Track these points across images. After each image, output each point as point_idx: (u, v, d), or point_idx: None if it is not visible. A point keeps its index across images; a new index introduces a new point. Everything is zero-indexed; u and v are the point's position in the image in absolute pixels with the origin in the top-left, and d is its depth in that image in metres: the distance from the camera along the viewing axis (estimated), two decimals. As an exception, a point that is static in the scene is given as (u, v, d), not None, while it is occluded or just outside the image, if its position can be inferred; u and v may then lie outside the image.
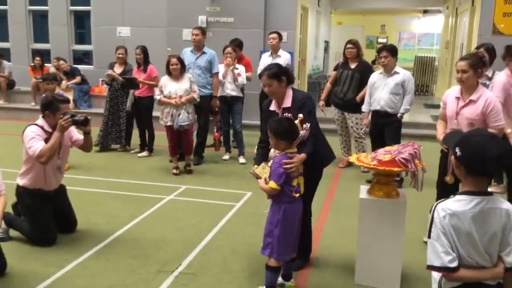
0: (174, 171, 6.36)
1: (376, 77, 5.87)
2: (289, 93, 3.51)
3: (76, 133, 4.27)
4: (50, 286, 3.36)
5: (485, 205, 1.93)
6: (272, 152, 3.76)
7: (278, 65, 3.71)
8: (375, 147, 3.97)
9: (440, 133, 4.03)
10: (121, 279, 3.48)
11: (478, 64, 3.74)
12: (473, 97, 3.76)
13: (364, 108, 6.03)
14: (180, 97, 6.07)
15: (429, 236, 1.97)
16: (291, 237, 3.22)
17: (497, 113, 3.74)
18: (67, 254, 3.85)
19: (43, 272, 3.52)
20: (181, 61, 6.19)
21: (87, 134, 4.17)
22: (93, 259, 3.81)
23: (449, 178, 3.63)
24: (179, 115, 6.08)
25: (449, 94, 3.99)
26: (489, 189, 5.88)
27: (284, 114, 3.45)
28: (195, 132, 6.97)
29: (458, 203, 1.94)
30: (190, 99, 6.14)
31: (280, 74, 3.46)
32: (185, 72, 6.29)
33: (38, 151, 3.85)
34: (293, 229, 3.22)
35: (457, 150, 1.95)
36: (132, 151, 7.39)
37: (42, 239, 4.01)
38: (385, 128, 5.69)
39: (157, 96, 6.25)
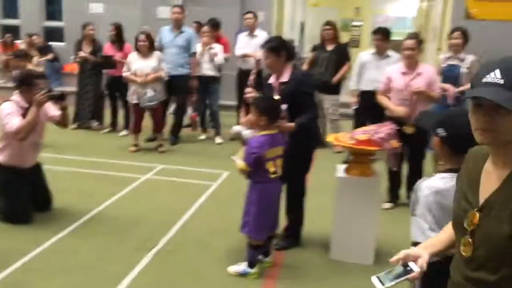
0: (133, 148, 6.32)
1: (367, 57, 5.89)
2: (288, 69, 3.52)
3: (52, 109, 4.20)
4: (27, 263, 3.34)
5: None
6: (247, 131, 3.80)
7: (279, 38, 3.67)
8: (358, 127, 4.08)
9: (392, 106, 4.44)
10: (99, 256, 3.49)
11: (421, 43, 4.46)
12: (419, 70, 4.35)
13: (353, 86, 6.07)
14: (147, 75, 6.01)
15: (413, 214, 2.02)
16: (268, 216, 3.26)
17: (437, 82, 4.51)
18: (44, 231, 3.82)
19: (20, 249, 3.49)
20: (149, 38, 6.11)
21: (63, 110, 4.11)
22: (70, 237, 3.80)
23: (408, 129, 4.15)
24: (145, 93, 6.02)
25: (393, 72, 4.52)
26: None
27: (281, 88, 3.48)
28: (172, 112, 6.94)
29: (442, 181, 1.98)
30: (157, 77, 6.08)
31: (279, 49, 3.47)
32: (154, 49, 6.20)
33: (15, 127, 3.78)
34: (269, 209, 3.27)
35: (440, 130, 1.96)
36: (120, 134, 7.25)
37: (18, 216, 3.97)
38: (374, 109, 5.64)
39: (124, 73, 6.19)
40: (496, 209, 1.31)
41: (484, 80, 1.29)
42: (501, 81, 1.26)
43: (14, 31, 10.58)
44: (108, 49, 7.14)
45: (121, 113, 7.41)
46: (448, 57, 5.29)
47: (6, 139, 3.94)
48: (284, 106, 3.37)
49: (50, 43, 10.21)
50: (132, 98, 6.16)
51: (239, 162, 3.18)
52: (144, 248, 3.63)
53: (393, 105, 4.43)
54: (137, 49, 6.11)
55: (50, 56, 9.64)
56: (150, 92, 6.03)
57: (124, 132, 7.17)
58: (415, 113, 4.35)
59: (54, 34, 10.92)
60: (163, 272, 3.32)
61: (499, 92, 1.26)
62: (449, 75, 5.19)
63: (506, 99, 1.24)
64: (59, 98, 3.99)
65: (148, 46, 6.08)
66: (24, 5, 10.81)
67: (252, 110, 3.23)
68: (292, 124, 3.38)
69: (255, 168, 3.15)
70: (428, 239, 1.92)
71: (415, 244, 2.00)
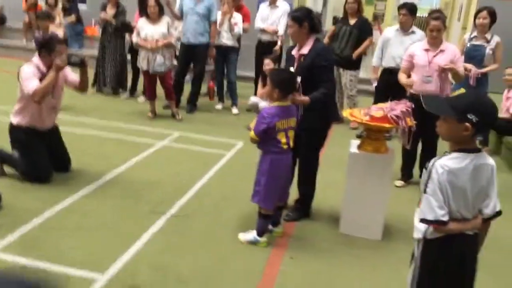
0: (150, 114, 6.39)
1: (391, 33, 5.84)
2: (310, 41, 3.52)
3: (71, 74, 4.27)
4: (43, 222, 3.46)
5: (477, 162, 2.02)
6: (264, 103, 3.81)
7: (305, 9, 3.65)
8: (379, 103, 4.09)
9: (409, 80, 4.50)
10: (113, 218, 3.60)
11: (445, 22, 4.46)
12: (442, 47, 4.36)
13: (375, 62, 6.03)
14: (157, 41, 6.02)
15: (425, 191, 2.02)
16: (277, 187, 3.31)
17: (460, 61, 4.46)
18: (61, 192, 3.93)
19: (37, 208, 3.62)
20: (158, 3, 6.07)
21: (83, 74, 4.17)
22: (86, 198, 3.91)
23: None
24: (155, 59, 6.04)
25: (416, 49, 4.51)
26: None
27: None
28: (190, 80, 6.97)
29: (454, 160, 1.99)
30: (167, 43, 6.08)
31: (302, 19, 3.46)
32: (163, 15, 6.18)
33: (32, 89, 3.86)
34: (279, 179, 3.31)
35: (472, 116, 1.93)
36: (138, 99, 7.32)
37: (37, 175, 4.08)
38: (395, 86, 5.39)
39: (134, 39, 6.20)
40: None
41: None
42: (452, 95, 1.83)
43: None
44: (137, 18, 7.12)
45: (141, 79, 7.46)
46: (473, 37, 5.19)
47: (23, 101, 4.02)
48: (298, 79, 3.37)
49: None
50: (142, 64, 6.20)
51: (251, 131, 3.22)
52: (158, 211, 3.73)
53: (411, 80, 4.46)
54: (147, 14, 6.09)
55: (71, 18, 9.67)
56: (160, 59, 6.04)
57: (142, 98, 7.23)
58: (437, 90, 4.33)
59: None
60: (175, 235, 3.42)
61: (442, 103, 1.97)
62: (473, 55, 5.11)
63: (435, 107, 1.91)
64: (79, 65, 4.04)
65: (158, 11, 6.06)
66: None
67: (268, 81, 3.24)
68: (306, 98, 3.39)
69: (263, 138, 3.19)
70: (437, 216, 1.98)
71: (424, 220, 2.03)
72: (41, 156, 4.13)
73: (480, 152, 2.06)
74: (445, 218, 2.00)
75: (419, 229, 2.13)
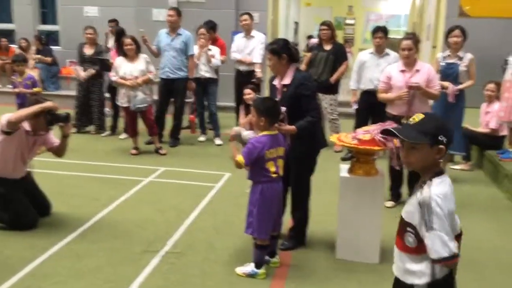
0: (133, 151, 6.36)
1: (366, 56, 5.98)
2: (291, 71, 3.55)
3: (53, 137, 4.21)
4: (36, 269, 3.36)
5: (449, 181, 2.01)
6: (251, 133, 3.83)
7: (282, 41, 3.66)
8: (360, 126, 4.13)
9: (393, 95, 4.53)
10: (107, 260, 3.51)
11: (417, 42, 4.55)
12: (417, 67, 4.49)
13: (353, 85, 6.15)
14: (136, 77, 6.04)
15: (430, 229, 1.87)
16: (270, 216, 3.29)
17: (436, 79, 4.61)
18: (50, 237, 3.84)
19: (28, 255, 3.51)
20: (135, 41, 6.16)
21: (64, 137, 4.11)
22: (77, 241, 3.82)
23: None
24: (135, 96, 6.06)
25: (392, 70, 4.62)
26: (458, 167, 6.14)
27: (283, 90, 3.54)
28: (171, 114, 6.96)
29: (441, 186, 1.93)
30: (146, 80, 6.13)
31: (280, 51, 3.50)
32: (140, 52, 6.25)
33: (7, 116, 3.80)
34: (271, 208, 3.29)
35: (442, 138, 1.91)
36: (120, 137, 7.28)
37: (23, 223, 3.98)
38: (376, 108, 5.48)
39: (113, 78, 6.22)
40: None
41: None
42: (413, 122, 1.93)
43: (8, 35, 10.55)
44: (114, 55, 7.13)
45: (122, 116, 7.43)
46: (446, 56, 5.35)
47: None
48: (283, 109, 3.41)
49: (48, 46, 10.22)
50: (122, 102, 6.20)
51: (235, 155, 3.21)
52: (152, 250, 3.66)
53: (394, 96, 4.52)
54: (124, 53, 6.13)
55: (47, 59, 9.63)
56: (140, 95, 6.07)
57: (124, 135, 7.19)
58: (414, 109, 4.42)
59: (49, 37, 10.91)
60: (171, 274, 3.35)
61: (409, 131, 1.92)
62: (448, 73, 5.25)
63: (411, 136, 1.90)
64: (64, 119, 4.00)
65: (135, 49, 6.11)
66: (18, 9, 10.79)
67: (252, 110, 3.26)
68: (292, 127, 3.42)
69: (252, 168, 3.20)
70: (451, 250, 1.87)
71: (438, 260, 1.89)
72: (22, 204, 4.02)
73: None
74: (457, 250, 1.91)
75: (423, 272, 1.96)
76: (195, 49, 6.80)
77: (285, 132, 3.40)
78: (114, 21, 8.26)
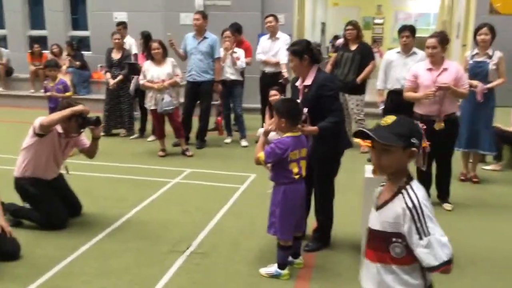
0: (160, 153, 6.46)
1: (393, 56, 5.90)
2: (312, 72, 3.54)
3: (84, 139, 4.34)
4: (65, 268, 3.45)
5: None
6: (274, 134, 3.83)
7: (304, 42, 3.65)
8: None
9: (419, 95, 4.48)
10: (134, 260, 3.58)
11: (444, 41, 4.43)
12: (445, 66, 4.40)
13: (379, 85, 6.08)
14: (163, 81, 6.13)
15: (426, 234, 1.76)
16: (292, 217, 3.29)
17: (464, 78, 4.51)
18: (79, 237, 3.93)
19: (57, 255, 3.61)
20: (162, 45, 6.27)
21: (95, 139, 4.23)
22: (105, 241, 3.90)
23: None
24: (162, 99, 6.16)
25: (419, 68, 4.55)
26: (489, 167, 5.99)
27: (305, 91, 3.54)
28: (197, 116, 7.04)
29: (422, 189, 1.86)
30: (172, 83, 6.23)
31: (302, 52, 3.49)
32: (167, 56, 6.35)
33: (40, 120, 3.94)
34: (294, 209, 3.29)
35: (414, 140, 1.84)
36: (148, 139, 7.41)
37: (54, 223, 4.09)
38: (403, 108, 5.37)
39: (141, 81, 6.33)
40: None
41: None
42: (386, 124, 1.84)
43: (41, 41, 10.86)
44: (141, 59, 7.27)
45: (149, 119, 7.54)
46: (475, 54, 5.23)
47: (29, 152, 4.06)
48: (304, 110, 3.40)
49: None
50: (149, 105, 6.30)
51: (258, 151, 3.22)
52: (177, 251, 3.71)
53: (420, 95, 4.45)
54: (152, 57, 6.24)
55: (76, 64, 9.88)
56: (167, 98, 6.17)
57: (152, 138, 7.30)
58: (444, 109, 4.35)
59: (80, 43, 11.19)
60: (196, 274, 3.39)
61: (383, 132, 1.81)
62: (477, 72, 5.14)
63: (385, 138, 1.79)
64: (94, 123, 4.13)
65: (162, 53, 6.20)
66: (50, 16, 11.09)
67: (274, 113, 3.27)
68: (314, 128, 3.40)
69: (275, 169, 3.22)
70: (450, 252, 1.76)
71: (435, 267, 1.77)
72: (53, 204, 4.14)
73: None
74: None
75: (419, 283, 1.86)
76: (221, 52, 6.85)
77: (307, 133, 3.39)
78: (122, 23, 8.36)
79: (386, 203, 1.88)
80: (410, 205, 1.79)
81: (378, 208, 1.91)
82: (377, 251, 1.89)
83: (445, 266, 1.76)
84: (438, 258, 1.75)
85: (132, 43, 8.41)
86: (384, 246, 1.86)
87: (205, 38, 6.80)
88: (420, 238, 1.76)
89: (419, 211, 1.77)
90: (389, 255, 1.85)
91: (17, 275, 3.34)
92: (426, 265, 1.77)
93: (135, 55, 8.09)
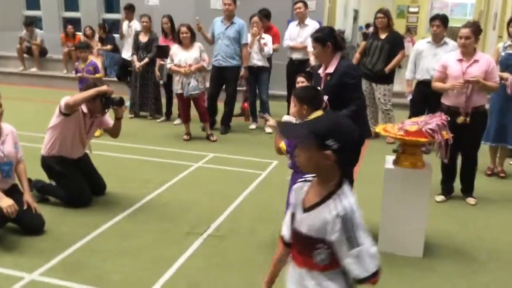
0: (185, 137, 6.55)
1: (423, 45, 5.79)
2: (335, 60, 3.51)
3: (108, 119, 4.43)
4: (86, 245, 3.56)
5: None
6: (294, 121, 3.81)
7: (328, 29, 3.64)
8: (414, 117, 4.00)
9: (447, 86, 4.36)
10: (153, 240, 3.66)
11: (478, 32, 4.33)
12: (476, 57, 4.29)
13: (408, 75, 5.99)
14: (190, 65, 6.18)
15: (358, 245, 1.62)
16: None
17: (495, 71, 4.41)
18: (102, 215, 4.04)
19: (80, 232, 3.72)
20: (190, 29, 6.30)
21: (118, 119, 4.31)
22: (126, 221, 4.00)
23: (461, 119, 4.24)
24: (189, 83, 6.22)
25: (449, 59, 4.45)
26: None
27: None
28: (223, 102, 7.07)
29: (351, 194, 1.71)
30: (199, 67, 6.27)
31: (325, 39, 3.47)
32: (195, 41, 6.39)
33: (66, 99, 4.05)
34: None
35: (332, 142, 1.63)
36: (174, 123, 7.49)
37: (78, 200, 4.21)
38: (431, 99, 5.28)
39: (168, 65, 6.40)
40: None
41: None
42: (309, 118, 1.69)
43: (75, 23, 11.05)
44: (163, 41, 7.35)
45: (175, 102, 7.62)
46: (507, 46, 5.08)
47: (55, 131, 4.18)
48: (325, 97, 3.37)
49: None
50: (176, 89, 6.37)
51: (278, 141, 3.21)
52: (195, 233, 3.77)
53: (448, 85, 4.35)
54: (180, 41, 6.28)
55: (108, 47, 10.03)
56: (193, 82, 6.22)
57: (178, 121, 7.39)
58: (471, 101, 4.25)
59: (113, 26, 11.34)
60: (212, 256, 3.44)
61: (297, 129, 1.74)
62: (509, 64, 4.98)
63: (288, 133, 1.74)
64: (118, 103, 4.22)
65: (190, 38, 6.24)
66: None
67: (294, 101, 3.26)
68: None
69: (292, 153, 3.20)
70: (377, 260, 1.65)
71: (365, 279, 1.65)
72: (77, 182, 4.26)
73: None
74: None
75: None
76: (248, 38, 6.83)
77: None
78: (129, 7, 8.45)
79: (314, 206, 1.71)
80: (341, 213, 1.63)
81: (306, 210, 1.74)
82: (301, 255, 1.76)
83: (374, 278, 1.65)
84: (367, 269, 1.63)
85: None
86: (308, 251, 1.73)
87: (232, 23, 6.79)
88: (350, 249, 1.62)
89: (350, 220, 1.63)
90: (312, 260, 1.72)
91: (41, 249, 3.47)
92: (355, 276, 1.66)
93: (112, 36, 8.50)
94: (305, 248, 1.74)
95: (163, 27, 7.30)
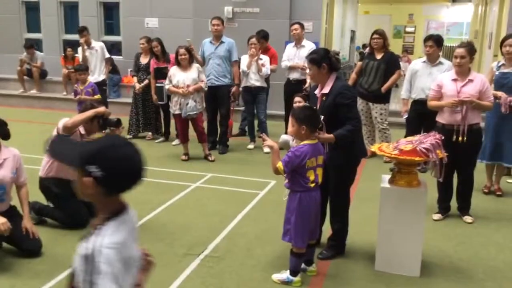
0: (183, 157, 6.58)
1: (419, 65, 5.87)
2: (331, 81, 3.57)
3: None
4: (83, 266, 3.54)
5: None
6: (290, 142, 3.85)
7: (323, 50, 3.73)
8: (411, 135, 4.04)
9: (443, 103, 4.41)
10: (150, 261, 3.65)
11: (472, 51, 4.41)
12: (471, 77, 4.36)
13: (404, 95, 6.06)
14: (188, 86, 6.26)
15: None
16: (307, 224, 3.30)
17: (489, 90, 4.45)
18: (99, 237, 4.03)
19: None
20: (188, 51, 6.41)
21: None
22: (124, 242, 3.99)
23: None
24: (187, 104, 6.28)
25: (444, 78, 4.52)
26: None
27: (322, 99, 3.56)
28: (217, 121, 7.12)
29: (119, 232, 1.51)
30: (197, 88, 6.35)
31: (320, 61, 3.53)
32: (193, 62, 6.50)
33: (63, 122, 4.09)
34: (309, 217, 3.29)
35: (94, 169, 1.44)
36: (173, 143, 7.52)
37: (75, 222, 4.21)
38: (427, 117, 5.27)
39: (166, 86, 6.48)
40: None
41: None
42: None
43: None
44: (154, 65, 7.37)
45: (173, 123, 7.67)
46: (501, 65, 5.14)
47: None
48: (322, 118, 3.41)
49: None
50: (174, 109, 6.44)
51: (275, 161, 3.23)
52: (192, 254, 3.77)
53: (444, 102, 4.40)
54: (178, 62, 6.38)
55: (107, 68, 10.09)
56: (191, 102, 6.29)
57: (176, 141, 7.42)
58: (466, 119, 4.29)
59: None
60: (209, 277, 3.43)
61: None
62: (503, 83, 5.04)
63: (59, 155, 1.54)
64: (115, 124, 4.27)
65: (188, 59, 6.35)
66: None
67: (291, 121, 3.29)
68: (331, 136, 3.41)
69: (292, 176, 3.23)
70: None
71: None
72: (75, 204, 4.24)
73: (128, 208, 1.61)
74: None
75: None
76: (245, 59, 6.92)
77: (324, 140, 3.41)
78: (83, 30, 8.24)
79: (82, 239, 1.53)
80: (88, 251, 1.43)
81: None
82: None
83: None
84: None
85: (102, 47, 8.42)
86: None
87: (222, 42, 6.93)
88: None
89: (92, 262, 1.41)
90: None
91: (38, 272, 3.47)
92: None
93: (110, 58, 8.38)
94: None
95: (154, 51, 7.37)
